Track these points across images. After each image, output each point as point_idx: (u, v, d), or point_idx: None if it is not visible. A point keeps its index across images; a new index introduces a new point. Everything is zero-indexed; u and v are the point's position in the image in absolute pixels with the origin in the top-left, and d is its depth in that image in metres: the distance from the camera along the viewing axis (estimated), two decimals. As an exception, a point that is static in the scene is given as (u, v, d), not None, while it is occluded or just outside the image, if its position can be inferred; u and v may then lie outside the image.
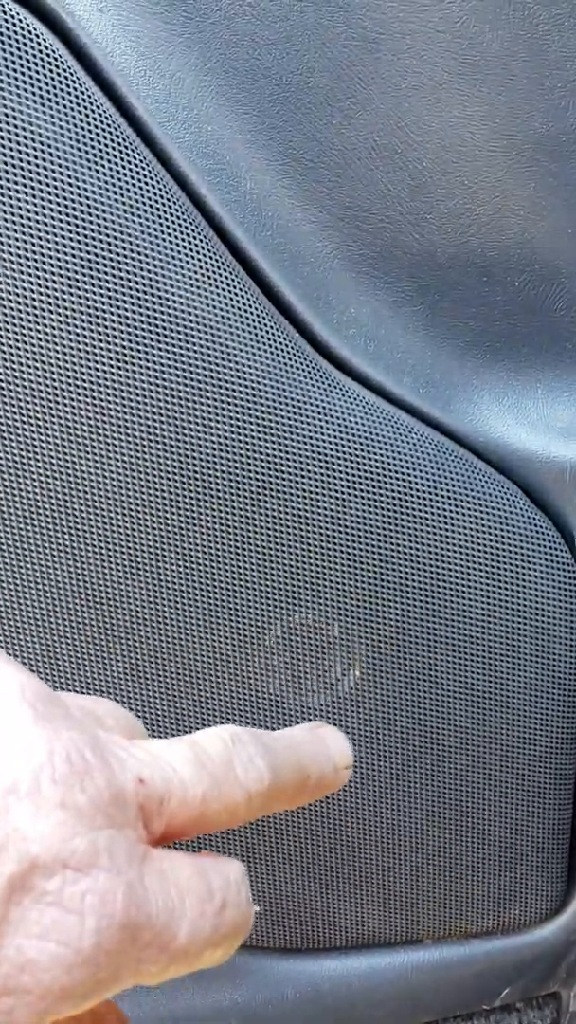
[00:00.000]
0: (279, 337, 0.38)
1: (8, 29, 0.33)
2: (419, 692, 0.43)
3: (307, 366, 0.39)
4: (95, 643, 0.39)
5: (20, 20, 0.34)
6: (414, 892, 0.46)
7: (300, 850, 0.44)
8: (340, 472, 0.39)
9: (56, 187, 0.35)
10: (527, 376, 0.42)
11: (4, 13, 0.33)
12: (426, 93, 0.38)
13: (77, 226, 0.35)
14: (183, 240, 0.36)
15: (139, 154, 0.36)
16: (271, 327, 0.38)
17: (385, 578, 0.41)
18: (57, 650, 0.39)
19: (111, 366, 0.36)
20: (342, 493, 0.39)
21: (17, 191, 0.34)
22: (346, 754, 0.28)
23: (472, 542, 0.41)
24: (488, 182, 0.39)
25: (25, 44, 0.34)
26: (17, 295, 0.35)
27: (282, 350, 0.38)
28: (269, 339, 0.38)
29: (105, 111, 0.35)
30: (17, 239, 0.35)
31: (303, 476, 0.39)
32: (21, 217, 0.34)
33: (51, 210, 0.35)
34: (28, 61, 0.34)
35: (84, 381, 0.36)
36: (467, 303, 0.40)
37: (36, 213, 0.35)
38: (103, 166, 0.35)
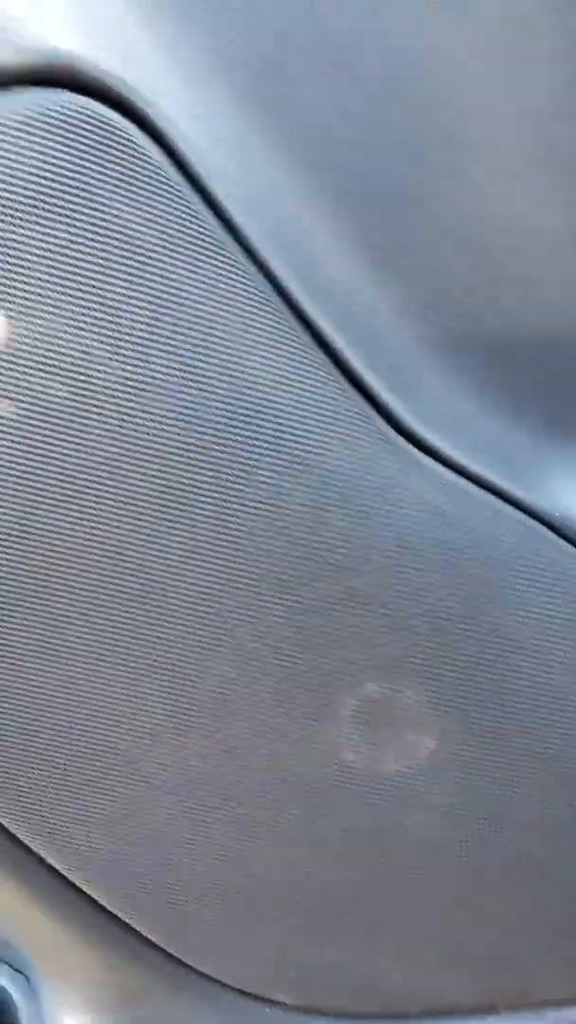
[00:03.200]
0: (360, 418, 0.40)
1: (105, 133, 0.36)
2: (495, 761, 0.43)
3: (388, 446, 0.40)
4: (176, 715, 0.40)
5: (115, 125, 0.36)
6: (488, 958, 0.46)
7: (371, 915, 0.45)
8: (421, 549, 0.40)
9: (149, 283, 0.37)
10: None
11: (102, 119, 0.36)
12: (503, 183, 0.39)
13: (169, 319, 0.37)
14: (268, 328, 0.38)
15: (227, 249, 0.38)
16: (352, 408, 0.39)
17: (463, 650, 0.42)
18: (137, 722, 0.40)
19: (198, 458, 0.38)
20: (422, 569, 0.40)
21: (114, 287, 0.37)
22: None
23: (551, 617, 0.42)
24: (561, 266, 0.40)
25: (122, 148, 0.36)
26: (111, 382, 0.37)
27: (364, 430, 0.39)
28: (351, 420, 0.39)
29: (195, 209, 0.37)
30: (117, 331, 0.37)
31: (383, 552, 0.40)
32: (120, 312, 0.37)
33: (147, 304, 0.37)
34: (125, 164, 0.36)
35: (173, 466, 0.38)
36: (544, 383, 0.41)
37: (134, 307, 0.37)
38: (193, 262, 0.37)
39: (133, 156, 0.36)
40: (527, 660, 0.42)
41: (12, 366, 0.37)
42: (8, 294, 0.36)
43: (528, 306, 0.40)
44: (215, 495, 0.39)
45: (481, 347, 0.41)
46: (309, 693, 0.41)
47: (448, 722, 0.42)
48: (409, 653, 0.41)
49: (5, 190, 0.35)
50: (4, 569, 0.38)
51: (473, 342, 0.40)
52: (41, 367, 0.37)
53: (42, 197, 0.36)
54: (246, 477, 0.39)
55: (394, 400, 0.40)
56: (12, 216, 0.35)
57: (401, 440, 0.40)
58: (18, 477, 0.38)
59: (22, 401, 0.37)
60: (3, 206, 0.35)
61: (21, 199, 0.35)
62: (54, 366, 0.37)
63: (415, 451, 0.41)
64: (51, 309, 0.37)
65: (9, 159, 0.35)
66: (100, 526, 0.39)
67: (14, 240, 0.36)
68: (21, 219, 0.36)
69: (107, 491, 0.38)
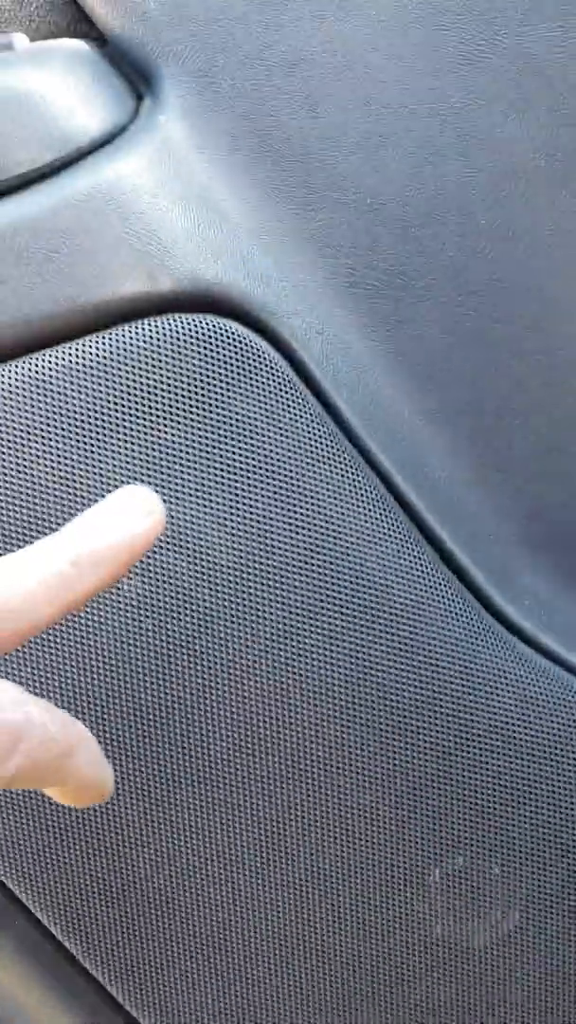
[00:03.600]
0: (460, 605, 0.43)
1: (244, 351, 0.40)
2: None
3: (485, 632, 0.43)
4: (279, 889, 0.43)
5: (253, 343, 0.41)
6: None
7: None
8: (515, 734, 0.43)
9: (276, 479, 0.41)
10: None
11: (242, 338, 0.41)
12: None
13: (291, 512, 0.41)
14: (380, 523, 0.42)
15: (344, 451, 0.42)
16: (453, 595, 0.43)
17: (553, 834, 0.43)
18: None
19: (316, 644, 0.41)
20: (517, 753, 0.43)
21: (244, 481, 0.41)
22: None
23: None
24: None
25: (257, 363, 0.41)
26: (231, 565, 0.41)
27: (463, 617, 0.42)
28: (452, 607, 0.42)
29: (317, 414, 0.42)
30: (243, 519, 0.41)
31: (479, 736, 0.42)
32: (247, 503, 0.41)
33: (272, 498, 0.41)
34: (259, 377, 0.41)
35: (289, 650, 0.41)
36: None
37: (259, 499, 0.41)
38: (314, 462, 0.41)
39: (266, 370, 0.41)
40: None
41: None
42: (157, 483, 0.41)
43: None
44: (329, 677, 0.42)
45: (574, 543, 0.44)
46: (404, 868, 0.43)
47: (532, 892, 0.44)
48: (499, 832, 0.43)
49: (162, 398, 0.40)
50: (139, 737, 0.42)
51: (569, 537, 0.44)
52: (169, 546, 0.41)
53: (190, 404, 0.40)
54: (359, 663, 0.42)
55: (491, 587, 0.43)
56: (165, 419, 0.40)
57: (496, 623, 0.43)
58: (148, 655, 0.41)
59: (147, 577, 0.41)
60: (159, 411, 0.40)
61: (174, 405, 0.40)
62: (182, 546, 0.41)
63: (510, 635, 0.44)
64: (188, 497, 0.41)
65: (166, 373, 0.40)
66: (218, 696, 0.42)
67: (166, 438, 0.40)
68: (173, 422, 0.40)
69: (222, 662, 0.42)
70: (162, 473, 0.40)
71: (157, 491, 0.40)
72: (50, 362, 0.39)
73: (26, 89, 0.39)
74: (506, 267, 0.42)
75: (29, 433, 0.39)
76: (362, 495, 0.42)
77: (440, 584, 0.42)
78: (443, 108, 0.41)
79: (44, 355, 0.39)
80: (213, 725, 0.42)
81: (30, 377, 0.39)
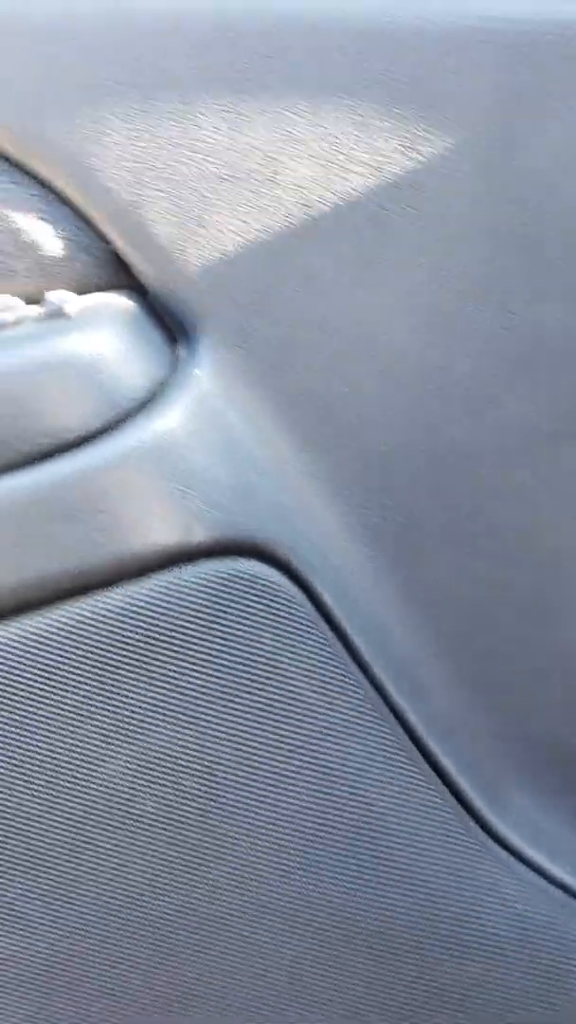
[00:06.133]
0: (455, 821, 0.46)
1: (269, 590, 0.44)
2: None
3: (479, 849, 0.46)
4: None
5: (277, 584, 0.44)
6: None
7: None
8: (498, 945, 0.46)
9: (286, 709, 0.44)
10: None
11: (268, 580, 0.44)
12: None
13: (300, 736, 0.44)
14: (386, 750, 0.45)
15: (355, 680, 0.45)
16: (448, 813, 0.46)
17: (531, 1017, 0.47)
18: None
19: (320, 868, 0.44)
20: (495, 961, 0.46)
21: (255, 706, 0.44)
22: None
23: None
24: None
25: (280, 601, 0.44)
26: (251, 792, 0.44)
27: (458, 835, 0.46)
28: (454, 831, 0.46)
29: (330, 643, 0.45)
30: (254, 751, 0.44)
31: (473, 950, 0.46)
32: (261, 733, 0.44)
33: (283, 727, 0.44)
34: (281, 613, 0.44)
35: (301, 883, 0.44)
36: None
37: (271, 730, 0.44)
38: (327, 690, 0.45)
39: (286, 605, 0.44)
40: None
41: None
42: (179, 716, 0.44)
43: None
44: (327, 894, 0.45)
45: (571, 773, 0.47)
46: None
47: None
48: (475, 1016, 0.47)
49: (191, 638, 0.43)
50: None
51: (565, 771, 0.48)
52: (184, 771, 0.44)
53: (215, 640, 0.43)
54: (356, 881, 0.45)
55: (485, 805, 0.47)
56: (192, 656, 0.43)
57: (496, 847, 0.46)
58: (151, 873, 0.44)
59: (161, 797, 0.44)
60: (187, 650, 0.43)
61: (201, 643, 0.43)
62: (195, 771, 0.44)
63: (499, 848, 0.47)
64: (205, 727, 0.44)
65: (197, 616, 0.43)
66: (219, 909, 0.45)
67: (192, 673, 0.43)
68: (199, 657, 0.43)
69: (225, 875, 0.45)
70: (184, 705, 0.43)
71: (177, 724, 0.43)
72: (90, 608, 0.42)
73: (78, 357, 0.42)
74: (510, 516, 0.46)
75: (73, 674, 0.42)
76: (369, 721, 0.45)
77: (438, 804, 0.46)
78: (454, 373, 0.45)
79: (85, 601, 0.42)
80: (213, 942, 0.45)
81: (76, 622, 0.42)
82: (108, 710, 0.43)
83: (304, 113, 0.43)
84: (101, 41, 0.43)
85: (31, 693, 0.42)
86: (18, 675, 0.41)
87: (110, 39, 0.43)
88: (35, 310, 0.44)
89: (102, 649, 0.42)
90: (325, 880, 0.45)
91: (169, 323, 0.45)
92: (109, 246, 0.45)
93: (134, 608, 0.42)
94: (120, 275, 0.46)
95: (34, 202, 0.44)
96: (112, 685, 0.42)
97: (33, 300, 0.45)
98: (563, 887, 0.47)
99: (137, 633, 0.42)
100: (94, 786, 0.43)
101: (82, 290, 0.45)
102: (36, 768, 0.42)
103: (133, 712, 0.43)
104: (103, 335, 0.43)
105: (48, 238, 0.45)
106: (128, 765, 0.43)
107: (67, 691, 0.42)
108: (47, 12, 0.43)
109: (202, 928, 0.45)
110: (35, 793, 0.42)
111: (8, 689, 0.41)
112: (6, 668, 0.41)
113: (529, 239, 0.44)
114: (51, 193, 0.44)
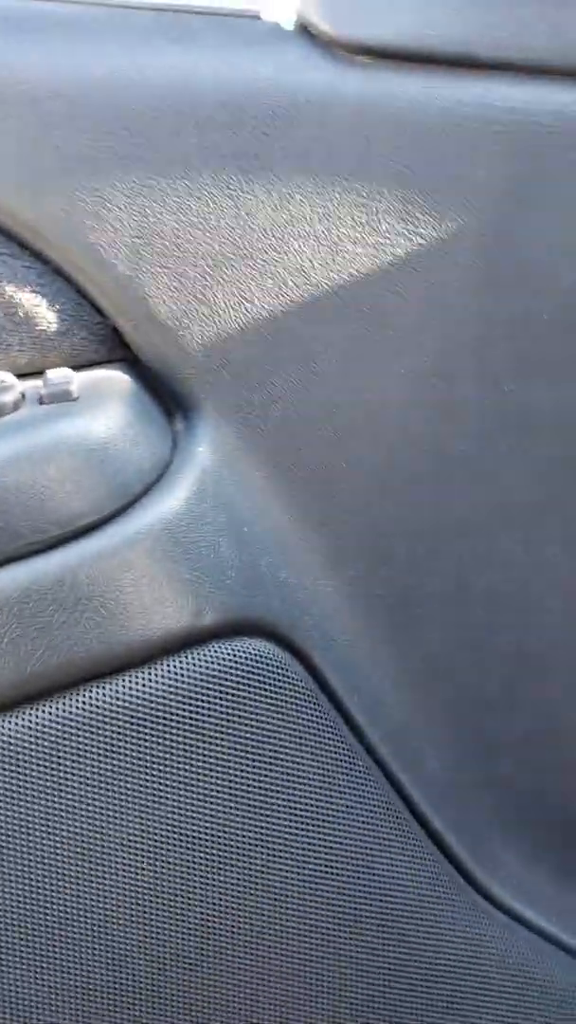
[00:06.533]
0: (447, 881, 0.48)
1: (275, 668, 0.44)
2: None
3: (469, 904, 0.48)
4: None
5: (283, 661, 0.44)
6: None
7: None
8: (492, 993, 0.48)
9: (286, 780, 0.45)
10: None
11: (275, 658, 0.44)
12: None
13: (300, 805, 0.45)
14: (380, 811, 0.46)
15: (353, 750, 0.46)
16: (440, 873, 0.47)
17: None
18: None
19: (313, 924, 0.45)
20: (500, 1014, 0.48)
21: (261, 784, 0.44)
22: None
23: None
24: None
25: (285, 678, 0.44)
26: (254, 859, 0.44)
27: (449, 892, 0.47)
28: (439, 883, 0.47)
29: (331, 718, 0.45)
30: (255, 823, 0.44)
31: (462, 1000, 0.47)
32: (263, 805, 0.44)
33: (283, 797, 0.45)
34: (286, 690, 0.44)
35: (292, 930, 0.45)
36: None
37: (272, 801, 0.44)
38: (326, 760, 0.45)
39: (288, 681, 0.44)
40: None
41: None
42: (186, 795, 0.43)
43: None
44: (325, 955, 0.46)
45: (554, 832, 0.50)
46: None
47: None
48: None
49: (198, 719, 0.43)
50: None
51: (549, 828, 0.50)
52: (193, 846, 0.44)
53: (221, 719, 0.43)
54: (359, 950, 0.46)
55: (472, 863, 0.49)
56: (198, 735, 0.43)
57: (486, 903, 0.48)
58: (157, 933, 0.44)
59: (165, 872, 0.44)
60: (193, 731, 0.43)
61: (208, 723, 0.43)
62: (204, 845, 0.44)
63: (484, 902, 0.49)
64: (211, 802, 0.44)
65: (205, 697, 0.43)
66: (221, 970, 0.45)
67: (198, 751, 0.43)
68: (205, 736, 0.43)
69: (227, 935, 0.45)
70: (189, 783, 0.43)
71: (182, 801, 0.43)
72: (98, 697, 0.41)
73: (85, 441, 0.41)
74: (498, 584, 0.48)
75: (83, 761, 0.41)
76: (365, 788, 0.46)
77: (430, 865, 0.47)
78: (447, 451, 0.46)
79: (93, 690, 0.41)
80: (216, 998, 0.45)
81: (84, 710, 0.41)
82: (114, 793, 0.42)
83: (307, 193, 0.44)
84: (104, 115, 0.42)
85: (43, 782, 0.41)
86: (27, 765, 0.41)
87: (114, 114, 0.42)
88: (35, 387, 0.42)
89: (111, 737, 0.41)
90: (324, 944, 0.46)
91: (167, 399, 0.45)
92: (107, 320, 0.44)
93: (142, 694, 0.42)
94: (116, 349, 0.45)
95: (30, 275, 0.43)
96: (119, 769, 0.42)
97: (25, 373, 0.44)
98: (542, 934, 0.49)
99: (145, 718, 0.42)
100: (102, 867, 0.42)
101: (77, 364, 0.44)
102: (47, 856, 0.41)
103: (140, 792, 0.42)
104: (108, 415, 0.42)
105: (44, 312, 0.43)
106: (136, 847, 0.43)
107: (77, 779, 0.41)
108: (50, 86, 0.42)
109: (207, 1004, 0.45)
110: (45, 878, 0.42)
111: (22, 781, 0.40)
112: (17, 758, 0.40)
113: (522, 323, 0.45)
114: (48, 267, 0.43)
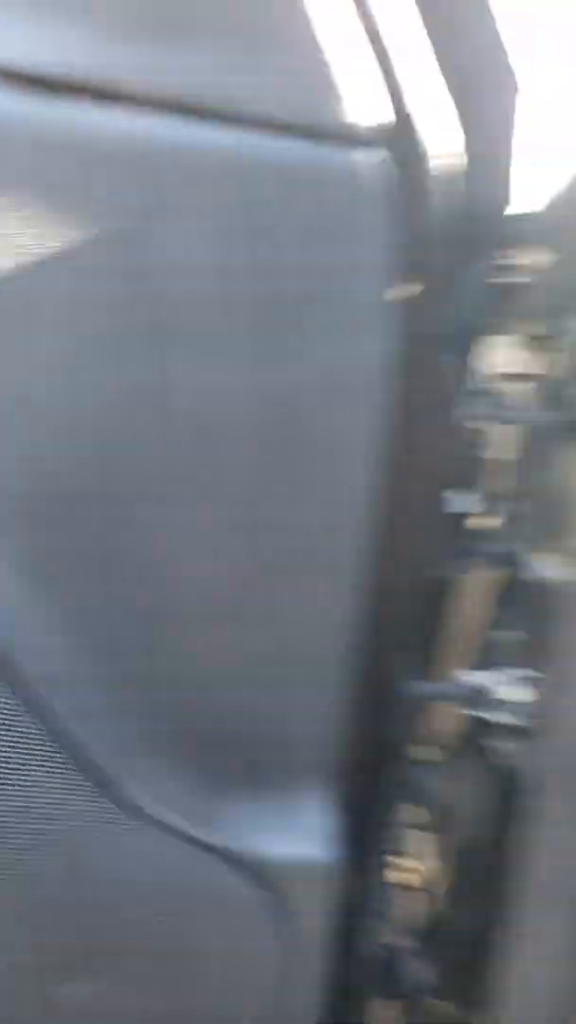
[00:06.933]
0: (93, 796, 0.56)
1: None
2: None
3: (115, 816, 0.57)
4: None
5: None
6: None
7: None
8: (140, 891, 0.58)
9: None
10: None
11: None
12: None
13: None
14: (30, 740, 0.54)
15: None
16: (79, 783, 0.56)
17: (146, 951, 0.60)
18: None
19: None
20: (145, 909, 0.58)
21: None
22: None
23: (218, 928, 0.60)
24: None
25: None
26: None
27: (96, 805, 0.56)
28: (88, 800, 0.56)
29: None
30: None
31: (117, 901, 0.57)
32: None
33: None
34: None
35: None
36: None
37: None
38: None
39: None
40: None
41: None
42: None
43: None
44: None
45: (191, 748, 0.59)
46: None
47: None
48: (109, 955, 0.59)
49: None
50: None
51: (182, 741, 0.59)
52: None
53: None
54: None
55: (121, 779, 0.57)
56: None
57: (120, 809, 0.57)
58: None
59: None
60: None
61: None
62: None
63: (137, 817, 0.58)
64: None
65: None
66: None
67: None
68: None
69: None
70: None
71: None
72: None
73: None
74: (138, 546, 0.56)
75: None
76: (21, 724, 0.54)
77: (76, 781, 0.56)
78: (81, 423, 0.53)
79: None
80: None
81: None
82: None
83: None
84: None
85: None
86: None
87: None
88: None
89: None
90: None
91: None
92: None
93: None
94: None
95: None
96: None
97: None
98: (185, 837, 0.59)
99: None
100: None
101: None
102: None
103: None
104: None
105: None
106: None
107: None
108: None
109: None
110: None
111: None
112: None
113: (151, 319, 0.52)
114: None
